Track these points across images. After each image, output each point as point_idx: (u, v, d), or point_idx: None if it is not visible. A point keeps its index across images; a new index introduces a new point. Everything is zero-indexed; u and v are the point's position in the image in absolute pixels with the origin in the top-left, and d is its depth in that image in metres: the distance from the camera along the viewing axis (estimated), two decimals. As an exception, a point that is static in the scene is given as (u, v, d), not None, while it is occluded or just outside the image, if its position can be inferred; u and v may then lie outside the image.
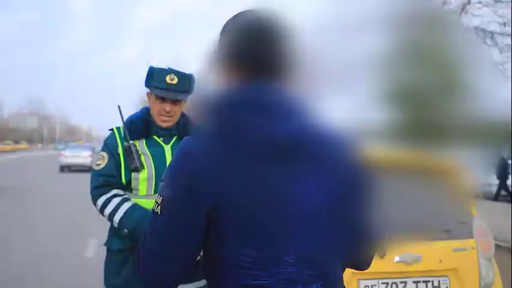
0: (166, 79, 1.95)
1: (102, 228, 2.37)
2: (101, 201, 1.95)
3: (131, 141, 1.96)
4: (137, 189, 1.95)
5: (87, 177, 2.27)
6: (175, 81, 1.96)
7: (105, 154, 2.00)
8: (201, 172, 0.86)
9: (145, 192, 1.95)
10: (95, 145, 25.72)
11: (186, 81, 1.99)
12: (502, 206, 9.98)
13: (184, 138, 0.93)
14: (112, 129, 2.07)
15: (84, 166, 21.67)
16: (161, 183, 0.93)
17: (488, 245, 2.45)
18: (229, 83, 0.94)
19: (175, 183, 0.89)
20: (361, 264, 1.05)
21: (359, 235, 0.98)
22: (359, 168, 0.95)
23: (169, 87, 1.95)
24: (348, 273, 2.06)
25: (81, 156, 22.41)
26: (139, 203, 1.93)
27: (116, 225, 1.92)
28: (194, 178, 0.86)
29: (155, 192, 1.94)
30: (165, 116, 1.98)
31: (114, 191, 1.96)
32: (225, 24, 0.98)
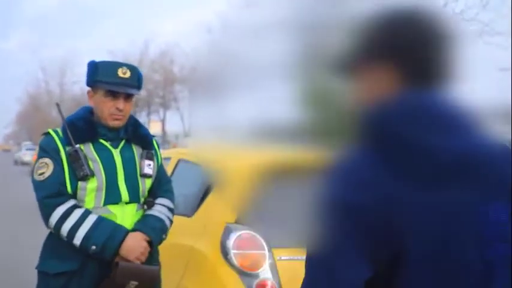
0: (119, 73, 1.75)
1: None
2: (58, 212, 1.67)
3: (77, 145, 1.71)
4: (83, 201, 1.71)
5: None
6: (128, 74, 1.77)
7: (48, 160, 1.71)
8: (379, 204, 0.71)
9: (92, 205, 1.72)
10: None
11: (136, 75, 1.82)
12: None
13: (333, 159, 0.78)
14: (48, 133, 1.79)
15: None
16: (312, 221, 0.76)
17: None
18: (378, 89, 0.79)
19: (342, 220, 0.72)
20: None
21: None
22: None
23: (123, 82, 1.75)
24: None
25: None
26: None
27: (78, 241, 1.66)
28: (369, 213, 0.71)
29: (105, 203, 1.73)
30: (117, 114, 1.76)
31: (73, 201, 1.70)
32: (375, 22, 0.81)
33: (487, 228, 0.75)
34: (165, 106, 34.98)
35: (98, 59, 1.87)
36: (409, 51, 0.78)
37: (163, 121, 35.42)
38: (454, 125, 0.76)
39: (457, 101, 0.79)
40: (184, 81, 32.79)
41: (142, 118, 33.95)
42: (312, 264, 0.77)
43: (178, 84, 33.51)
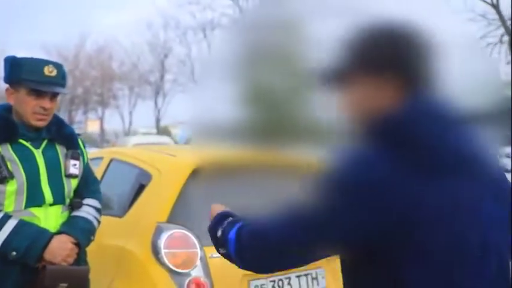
0: (45, 71, 1.69)
1: None
2: None
3: None
4: (2, 204, 1.63)
5: None
6: (55, 73, 1.71)
7: None
8: (388, 183, 0.78)
9: (12, 208, 1.64)
10: None
11: (62, 73, 1.76)
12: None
13: (349, 147, 0.83)
14: None
15: None
16: (316, 194, 0.82)
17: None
18: (377, 98, 0.86)
19: (351, 194, 0.79)
20: None
21: None
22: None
23: (49, 80, 1.70)
24: (239, 275, 2.11)
25: None
26: None
27: None
28: (379, 189, 0.78)
29: (26, 206, 1.66)
30: (42, 114, 1.69)
31: None
32: (370, 35, 0.87)
33: (485, 216, 0.83)
34: (104, 104, 33.78)
35: (19, 54, 1.79)
36: (408, 60, 0.86)
37: (101, 119, 34.20)
38: (453, 124, 0.84)
39: (450, 102, 0.87)
40: (123, 78, 31.87)
41: (78, 116, 32.60)
42: (290, 222, 0.84)
43: (118, 81, 32.49)
